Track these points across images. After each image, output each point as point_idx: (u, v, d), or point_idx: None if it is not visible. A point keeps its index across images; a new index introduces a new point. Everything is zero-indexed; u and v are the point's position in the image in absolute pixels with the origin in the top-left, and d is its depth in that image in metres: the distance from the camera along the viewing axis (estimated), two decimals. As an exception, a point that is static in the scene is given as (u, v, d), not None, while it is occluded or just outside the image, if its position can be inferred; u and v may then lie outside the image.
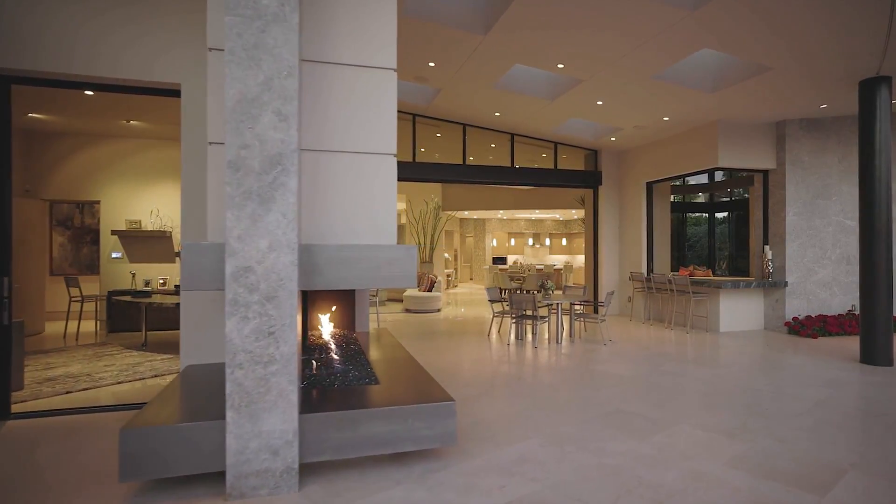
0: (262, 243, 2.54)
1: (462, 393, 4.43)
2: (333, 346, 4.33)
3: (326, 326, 5.01)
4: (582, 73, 6.41)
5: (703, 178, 12.43)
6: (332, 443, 2.73)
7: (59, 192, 8.17)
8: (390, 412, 2.82)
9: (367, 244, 2.99)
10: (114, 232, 7.83)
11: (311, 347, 4.25)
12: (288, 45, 2.57)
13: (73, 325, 7.57)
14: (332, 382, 3.26)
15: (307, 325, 4.42)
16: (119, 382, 4.70)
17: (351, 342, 4.59)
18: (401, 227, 16.75)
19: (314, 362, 3.74)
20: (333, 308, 5.12)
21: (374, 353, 4.27)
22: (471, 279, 21.68)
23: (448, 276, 17.02)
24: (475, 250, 21.74)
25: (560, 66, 6.27)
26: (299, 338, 2.91)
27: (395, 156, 3.18)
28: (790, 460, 3.03)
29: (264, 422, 2.55)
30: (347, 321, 5.35)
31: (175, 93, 4.05)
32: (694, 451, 3.14)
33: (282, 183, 2.56)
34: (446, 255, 18.16)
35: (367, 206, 3.13)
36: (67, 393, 4.30)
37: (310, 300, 5.01)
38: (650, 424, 3.64)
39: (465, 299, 14.06)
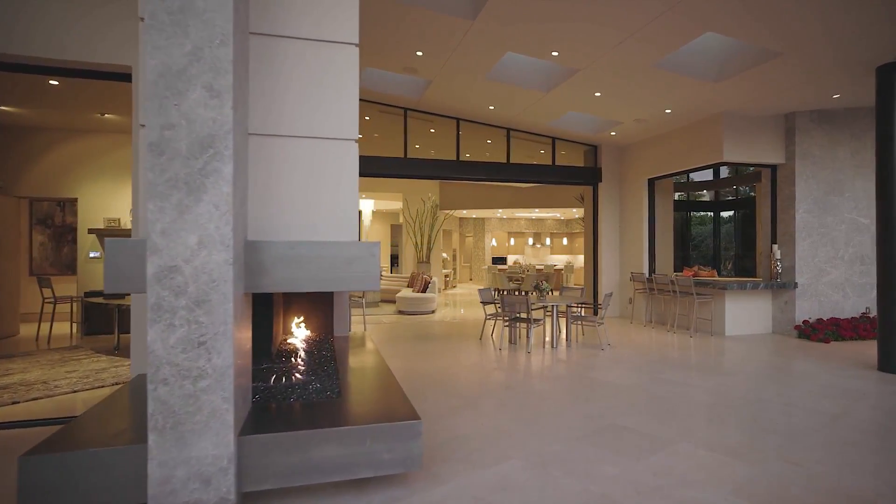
0: (191, 239, 2.19)
1: (443, 404, 4.06)
2: (302, 353, 3.98)
3: (299, 330, 4.67)
4: (578, 61, 6.03)
5: (708, 175, 12.01)
6: (277, 468, 2.37)
7: (35, 190, 7.86)
8: (345, 433, 2.46)
9: (321, 241, 2.63)
10: (91, 230, 7.51)
11: (276, 354, 3.90)
12: (221, 9, 2.21)
13: (46, 328, 7.26)
14: (287, 396, 2.91)
15: (275, 329, 4.06)
16: (75, 391, 4.36)
17: (324, 348, 4.24)
18: (398, 227, 16.42)
19: (274, 372, 3.38)
20: (303, 315, 4.77)
21: (345, 361, 3.91)
22: (470, 279, 21.30)
23: (446, 276, 16.66)
24: (475, 250, 21.35)
25: (554, 53, 5.90)
26: (246, 347, 2.56)
27: (356, 141, 2.83)
28: (805, 488, 2.64)
29: (193, 446, 2.19)
30: (325, 324, 5.00)
31: (127, 77, 3.72)
32: (695, 476, 2.76)
33: (214, 169, 2.21)
34: (444, 255, 17.80)
35: (326, 197, 2.78)
36: (14, 403, 3.96)
37: (284, 301, 4.66)
38: (647, 442, 3.26)
39: (463, 300, 13.67)
